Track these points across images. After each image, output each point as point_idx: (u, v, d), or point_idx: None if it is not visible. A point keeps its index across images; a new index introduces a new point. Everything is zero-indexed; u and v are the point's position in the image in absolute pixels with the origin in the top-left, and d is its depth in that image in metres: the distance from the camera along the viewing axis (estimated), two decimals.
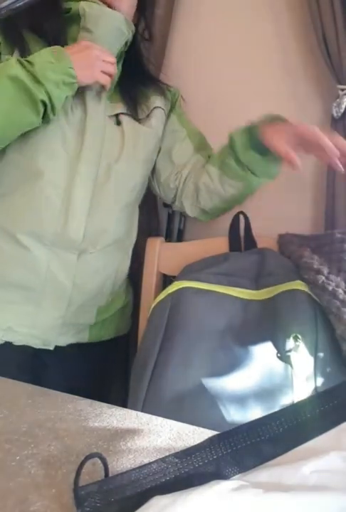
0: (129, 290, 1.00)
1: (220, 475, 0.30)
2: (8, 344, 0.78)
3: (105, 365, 0.97)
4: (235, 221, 0.94)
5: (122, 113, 0.84)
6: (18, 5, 0.64)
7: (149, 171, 0.94)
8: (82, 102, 0.78)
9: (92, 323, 0.89)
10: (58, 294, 0.80)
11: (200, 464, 0.31)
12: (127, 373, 1.37)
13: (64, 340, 0.85)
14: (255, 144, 0.81)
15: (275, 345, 0.67)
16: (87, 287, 0.84)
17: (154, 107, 0.89)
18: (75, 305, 0.83)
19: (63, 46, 0.71)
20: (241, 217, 0.94)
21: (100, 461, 0.31)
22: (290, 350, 0.65)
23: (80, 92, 0.76)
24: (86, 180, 0.78)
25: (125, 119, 0.83)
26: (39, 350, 0.82)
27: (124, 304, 0.97)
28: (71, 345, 0.86)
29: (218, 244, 0.94)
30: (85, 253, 0.81)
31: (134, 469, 0.30)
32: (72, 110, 0.77)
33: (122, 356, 1.05)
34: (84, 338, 0.88)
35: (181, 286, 0.77)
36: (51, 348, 0.83)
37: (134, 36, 0.86)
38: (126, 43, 0.82)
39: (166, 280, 1.16)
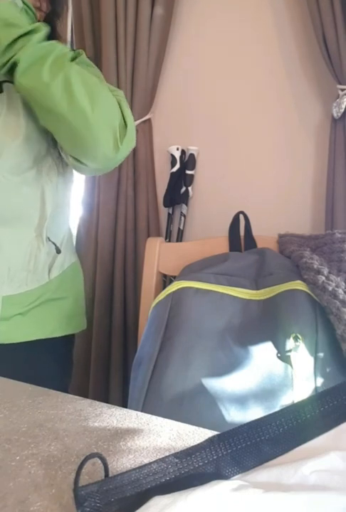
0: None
1: (220, 475, 0.30)
2: None
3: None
4: (235, 221, 0.94)
5: (6, 81, 0.79)
6: None
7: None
8: None
9: None
10: None
11: (200, 464, 0.31)
12: (126, 373, 1.38)
13: None
14: None
15: (275, 345, 0.67)
16: None
17: None
18: None
19: None
20: (241, 217, 0.94)
21: (100, 461, 0.31)
22: (290, 350, 0.65)
23: None
24: None
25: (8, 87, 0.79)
26: None
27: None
28: None
29: (218, 244, 0.94)
30: None
31: (134, 469, 0.30)
32: None
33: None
34: None
35: (181, 286, 0.77)
36: None
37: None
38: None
39: (166, 280, 1.17)
